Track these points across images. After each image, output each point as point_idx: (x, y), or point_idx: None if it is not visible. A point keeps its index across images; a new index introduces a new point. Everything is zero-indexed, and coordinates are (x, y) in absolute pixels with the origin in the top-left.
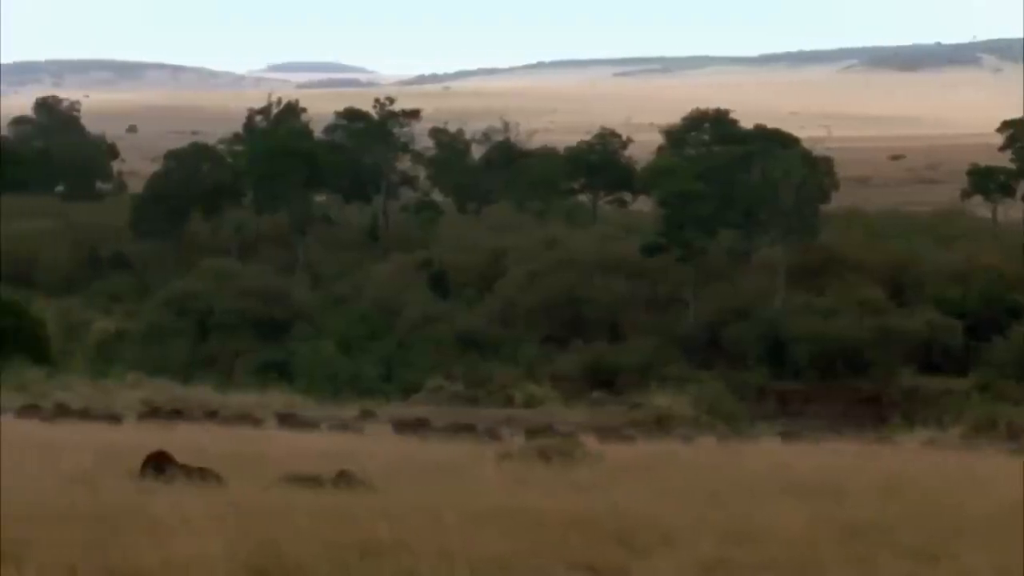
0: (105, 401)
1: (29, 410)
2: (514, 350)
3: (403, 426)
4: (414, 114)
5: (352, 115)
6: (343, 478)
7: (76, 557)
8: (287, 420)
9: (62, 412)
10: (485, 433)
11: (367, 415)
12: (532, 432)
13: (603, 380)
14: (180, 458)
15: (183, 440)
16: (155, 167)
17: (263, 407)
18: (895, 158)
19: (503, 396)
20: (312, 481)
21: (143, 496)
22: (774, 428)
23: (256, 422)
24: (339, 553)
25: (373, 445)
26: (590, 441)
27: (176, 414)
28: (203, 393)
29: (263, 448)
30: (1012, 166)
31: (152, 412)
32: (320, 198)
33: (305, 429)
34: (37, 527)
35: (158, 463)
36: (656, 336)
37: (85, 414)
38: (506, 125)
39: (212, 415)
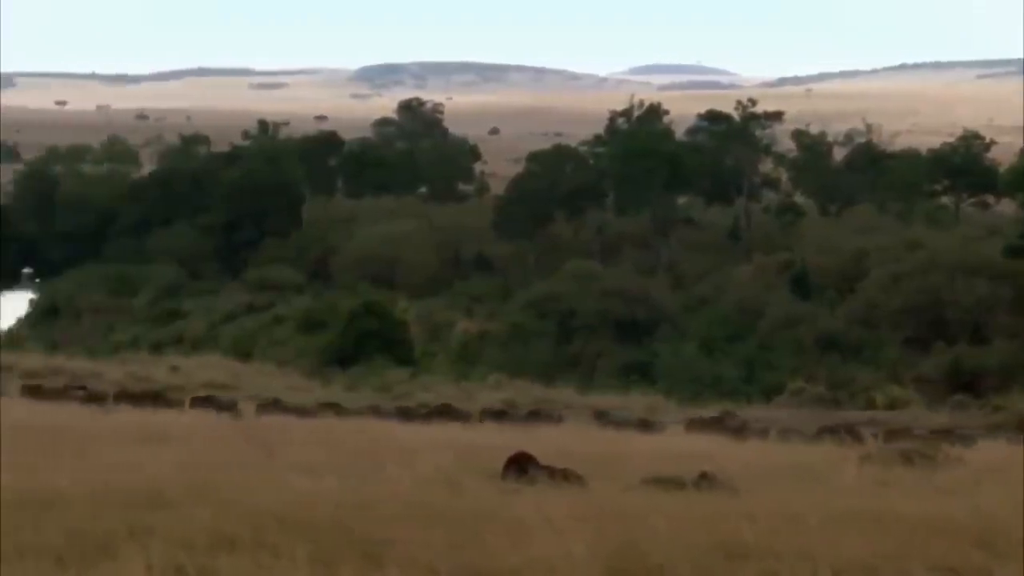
0: (467, 402)
1: (392, 411)
2: (876, 352)
3: (762, 428)
4: (776, 116)
5: (714, 117)
6: (704, 480)
7: (438, 557)
8: (644, 422)
9: (425, 412)
10: (847, 435)
11: (728, 417)
12: (894, 434)
13: (965, 382)
14: (542, 459)
15: (545, 441)
16: (517, 169)
17: (625, 408)
18: None
19: (864, 398)
20: (673, 483)
21: (505, 497)
22: None
23: (618, 424)
24: (702, 555)
25: (734, 447)
26: (952, 444)
27: (537, 415)
28: (565, 394)
29: (624, 449)
30: None
31: (513, 413)
32: (682, 199)
33: (663, 431)
34: (399, 527)
35: (520, 464)
36: (1019, 338)
37: (447, 415)
38: (868, 127)
39: (573, 416)
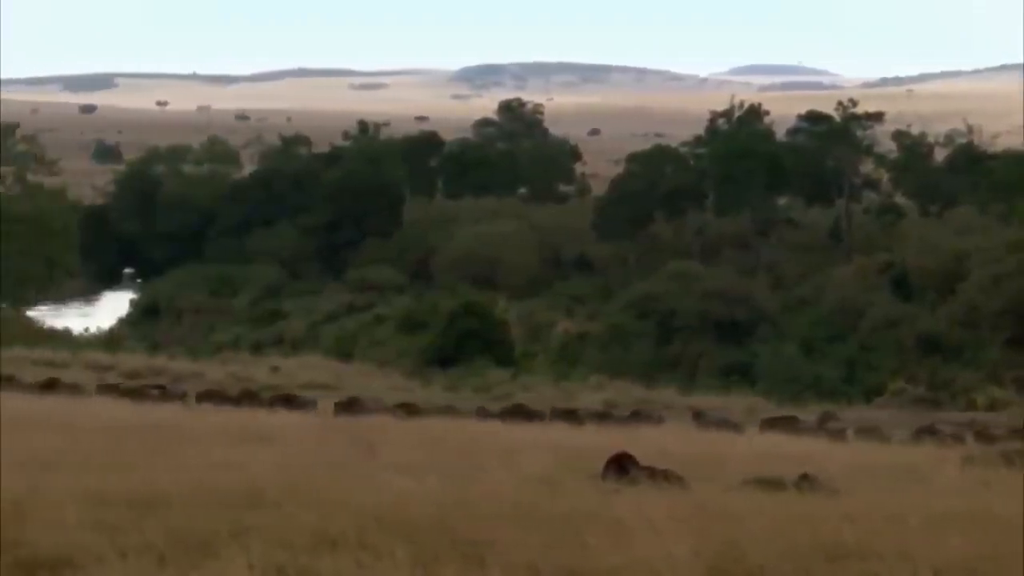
0: (567, 403)
1: (492, 411)
2: (976, 353)
3: (863, 429)
4: (877, 117)
5: (814, 117)
6: (805, 481)
7: (538, 557)
8: (731, 423)
9: (524, 413)
10: (948, 437)
11: (828, 418)
12: (995, 436)
13: None
14: (643, 460)
15: (645, 442)
16: (618, 169)
17: (724, 409)
18: None
19: (965, 399)
20: (774, 484)
21: (605, 497)
22: None
23: (718, 425)
24: (802, 556)
25: (834, 448)
26: None
27: (638, 416)
28: (666, 395)
29: (724, 450)
30: None
31: (612, 414)
32: (782, 200)
33: (772, 431)
34: (500, 527)
35: (621, 464)
36: None
37: (546, 415)
38: (969, 128)
39: (674, 417)
